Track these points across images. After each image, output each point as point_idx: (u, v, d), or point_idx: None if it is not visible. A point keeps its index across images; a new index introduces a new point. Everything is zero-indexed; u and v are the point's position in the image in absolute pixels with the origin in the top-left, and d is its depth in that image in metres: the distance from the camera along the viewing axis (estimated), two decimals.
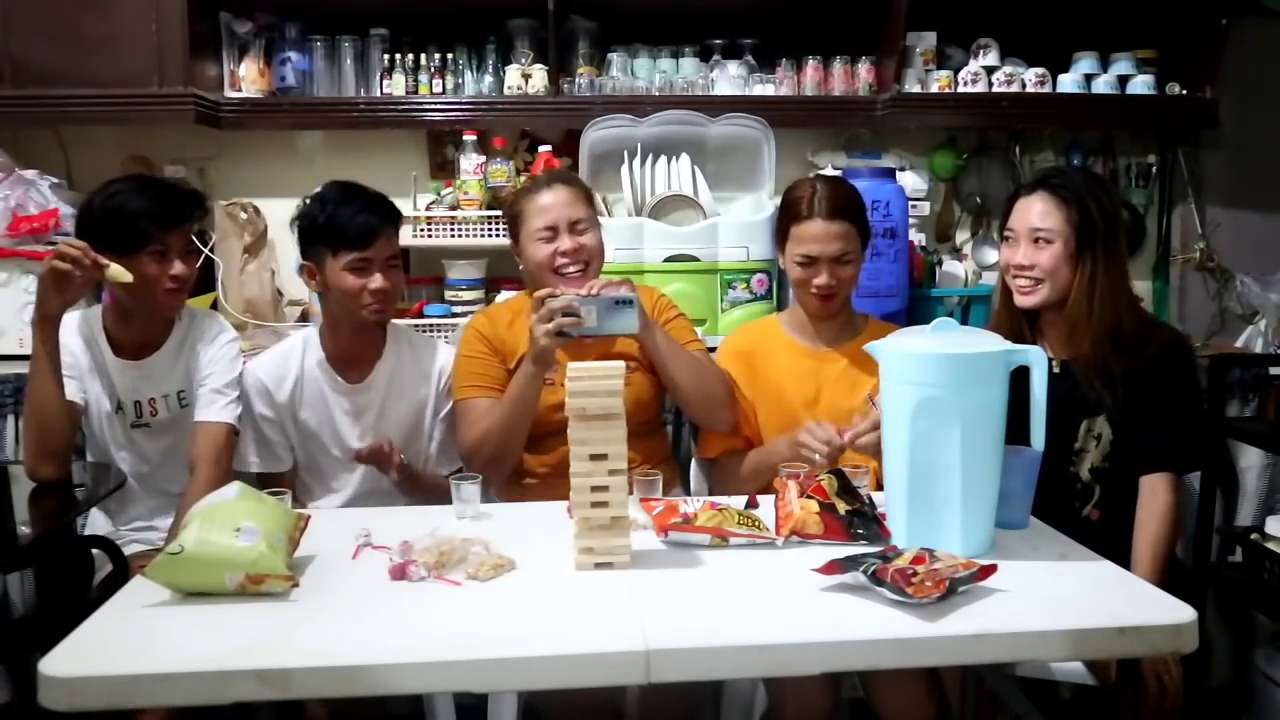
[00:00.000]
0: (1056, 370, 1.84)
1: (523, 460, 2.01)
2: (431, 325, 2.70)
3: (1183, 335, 1.91)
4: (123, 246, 1.84)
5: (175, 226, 1.91)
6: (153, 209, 1.88)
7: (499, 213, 2.67)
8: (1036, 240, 1.83)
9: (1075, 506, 1.88)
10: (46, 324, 1.80)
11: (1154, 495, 1.79)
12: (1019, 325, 1.89)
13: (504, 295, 2.65)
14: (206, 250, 2.79)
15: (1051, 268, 1.82)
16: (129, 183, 1.95)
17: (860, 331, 2.01)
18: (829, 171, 2.85)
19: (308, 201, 1.98)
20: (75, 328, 1.95)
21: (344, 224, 1.92)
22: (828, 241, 1.91)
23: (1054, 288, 1.83)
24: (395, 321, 2.11)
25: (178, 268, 1.92)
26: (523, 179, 2.70)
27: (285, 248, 2.77)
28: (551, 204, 2.00)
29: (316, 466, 2.05)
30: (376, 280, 1.93)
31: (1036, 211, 1.83)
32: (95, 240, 1.82)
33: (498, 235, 2.73)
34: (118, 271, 1.82)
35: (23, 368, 1.92)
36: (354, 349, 2.03)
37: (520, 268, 2.10)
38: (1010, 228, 1.88)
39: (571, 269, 1.98)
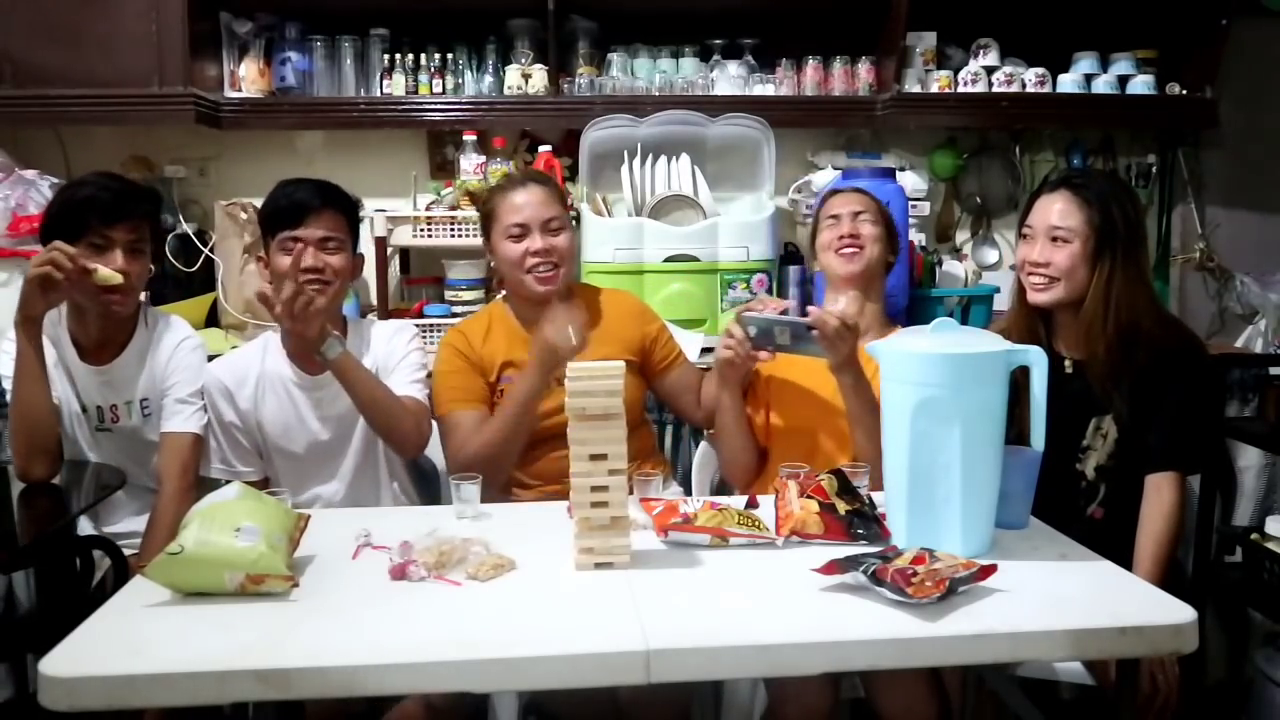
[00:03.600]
0: (1070, 370, 1.84)
1: (512, 472, 2.01)
2: (432, 325, 2.69)
3: (1196, 337, 1.90)
4: (66, 236, 1.82)
5: (118, 221, 1.88)
6: (96, 199, 1.87)
7: None
8: (1055, 239, 1.82)
9: (1079, 505, 1.87)
10: (31, 325, 1.80)
11: (1159, 494, 1.78)
12: (1034, 324, 1.89)
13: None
14: (207, 250, 2.80)
15: (1068, 267, 1.81)
16: (91, 176, 1.95)
17: (888, 333, 2.01)
18: (828, 172, 2.87)
19: None
20: (42, 327, 1.92)
21: (275, 202, 1.93)
22: (850, 203, 2.04)
23: (1069, 287, 1.82)
24: (355, 319, 2.14)
25: (118, 262, 1.87)
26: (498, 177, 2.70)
27: None
28: (525, 202, 1.99)
29: (296, 467, 2.00)
30: (307, 258, 1.90)
31: (1057, 210, 1.83)
32: (50, 231, 1.83)
33: None
34: (107, 275, 1.82)
35: None
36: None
37: (491, 265, 2.13)
38: (1029, 224, 1.88)
39: (543, 268, 1.97)
